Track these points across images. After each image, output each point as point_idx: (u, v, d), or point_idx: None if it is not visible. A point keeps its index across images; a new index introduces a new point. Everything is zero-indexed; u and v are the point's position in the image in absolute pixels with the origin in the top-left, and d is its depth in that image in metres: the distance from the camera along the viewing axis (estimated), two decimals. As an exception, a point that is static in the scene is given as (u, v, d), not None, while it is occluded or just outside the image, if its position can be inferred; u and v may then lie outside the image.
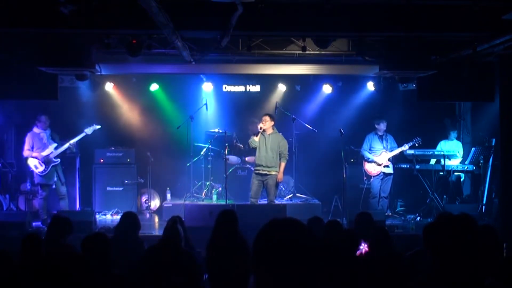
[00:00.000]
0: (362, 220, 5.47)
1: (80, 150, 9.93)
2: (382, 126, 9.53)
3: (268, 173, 8.77)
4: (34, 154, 8.83)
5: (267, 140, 8.83)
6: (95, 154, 10.29)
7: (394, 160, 9.73)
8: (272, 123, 8.90)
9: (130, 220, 5.55)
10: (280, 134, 9.09)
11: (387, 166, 9.52)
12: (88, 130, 9.28)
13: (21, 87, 8.26)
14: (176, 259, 4.47)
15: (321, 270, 1.72)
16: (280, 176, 8.84)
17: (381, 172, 9.51)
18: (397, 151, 9.46)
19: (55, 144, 9.00)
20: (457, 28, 6.86)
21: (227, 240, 5.02)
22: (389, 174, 9.57)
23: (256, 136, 8.88)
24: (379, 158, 9.46)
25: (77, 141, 9.26)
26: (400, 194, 10.60)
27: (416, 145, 9.34)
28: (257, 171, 8.85)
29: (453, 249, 2.18)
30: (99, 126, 9.44)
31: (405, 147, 9.39)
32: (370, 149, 9.59)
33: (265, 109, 10.82)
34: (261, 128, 8.82)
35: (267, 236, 1.76)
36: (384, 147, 9.50)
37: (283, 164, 8.83)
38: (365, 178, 9.85)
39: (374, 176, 9.57)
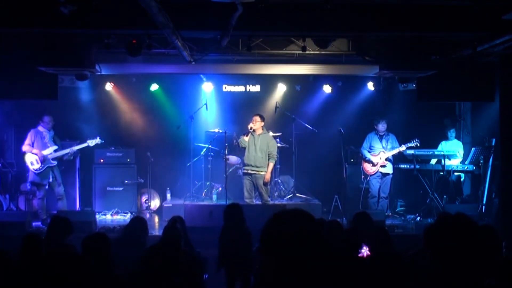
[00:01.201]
0: (361, 220, 5.46)
1: (80, 150, 9.92)
2: (381, 127, 9.51)
3: (257, 172, 8.81)
4: (35, 150, 8.84)
5: (257, 140, 8.86)
6: (95, 154, 10.28)
7: (394, 160, 9.72)
8: (262, 123, 8.95)
9: (140, 225, 5.51)
10: (270, 134, 9.12)
11: (384, 166, 9.48)
12: (91, 142, 9.36)
13: (21, 87, 8.27)
14: (176, 259, 4.46)
15: (323, 260, 1.75)
16: (268, 176, 8.86)
17: (378, 171, 9.48)
18: (394, 151, 9.42)
19: (55, 147, 9.01)
20: (457, 28, 6.86)
21: (234, 229, 5.70)
22: (387, 174, 9.52)
23: (246, 136, 8.92)
24: (376, 157, 9.44)
25: (77, 150, 9.31)
26: (400, 194, 10.59)
27: (414, 146, 9.30)
28: (246, 171, 8.90)
29: (453, 249, 2.19)
30: (102, 141, 9.50)
31: (403, 147, 9.35)
32: (370, 148, 9.58)
33: (265, 109, 10.84)
34: (251, 128, 8.86)
35: (277, 224, 1.79)
36: (383, 147, 9.48)
37: (271, 164, 8.88)
38: (362, 176, 9.86)
39: (371, 175, 9.55)
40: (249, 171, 8.86)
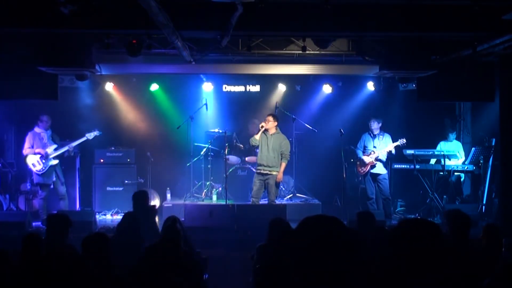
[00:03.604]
0: (363, 219, 5.42)
1: (80, 150, 9.94)
2: (373, 125, 9.34)
3: (269, 172, 8.78)
4: (37, 150, 8.84)
5: (269, 140, 8.84)
6: (95, 154, 10.29)
7: (395, 160, 9.69)
8: (275, 123, 8.90)
9: (130, 220, 5.54)
10: (283, 134, 9.09)
11: (374, 166, 9.31)
12: (89, 135, 9.36)
13: (21, 87, 8.27)
14: (176, 259, 4.46)
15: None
16: (280, 176, 8.84)
17: (368, 171, 9.36)
18: (382, 150, 9.26)
19: (55, 145, 9.01)
20: (457, 28, 6.86)
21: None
22: (378, 174, 9.33)
23: (257, 134, 8.89)
24: (368, 157, 9.34)
25: (76, 145, 9.31)
26: (400, 194, 10.59)
27: (400, 145, 9.23)
28: (259, 171, 8.87)
29: (413, 254, 2.13)
30: (100, 133, 9.51)
31: (390, 146, 9.24)
32: (364, 149, 9.49)
33: (265, 109, 10.84)
34: (262, 127, 8.83)
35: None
36: (374, 147, 9.33)
37: (283, 164, 8.83)
38: (356, 177, 9.85)
39: (362, 176, 9.50)
40: (262, 171, 8.82)
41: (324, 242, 1.78)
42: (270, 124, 8.84)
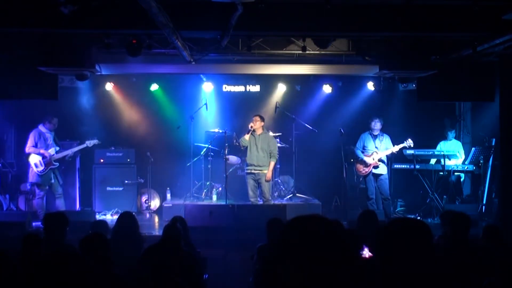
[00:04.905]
0: (365, 218, 5.39)
1: (80, 150, 9.94)
2: (374, 125, 9.28)
3: (260, 171, 8.97)
4: (41, 151, 8.85)
5: (257, 140, 9.04)
6: (95, 154, 10.28)
7: (395, 160, 9.69)
8: (262, 123, 9.13)
9: (128, 220, 5.54)
10: (270, 134, 9.24)
11: (377, 167, 9.29)
12: (89, 143, 9.51)
13: (21, 87, 8.28)
14: (176, 258, 4.46)
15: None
16: (269, 175, 8.97)
17: (370, 171, 9.33)
18: (387, 152, 9.25)
19: (58, 148, 9.04)
20: (457, 28, 6.87)
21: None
22: (380, 174, 9.30)
23: (247, 134, 9.07)
24: (369, 158, 9.30)
25: (76, 150, 9.40)
26: (400, 194, 10.58)
27: (407, 146, 9.21)
28: (249, 171, 9.07)
29: (400, 254, 2.09)
30: (99, 142, 9.66)
31: (395, 148, 9.21)
32: (363, 149, 9.41)
33: (265, 109, 10.86)
34: (251, 127, 9.02)
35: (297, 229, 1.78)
36: (376, 147, 9.29)
37: (272, 163, 9.03)
38: (355, 177, 9.84)
39: (363, 176, 9.47)
40: (252, 171, 9.03)
41: (313, 242, 1.77)
42: (258, 124, 9.06)
